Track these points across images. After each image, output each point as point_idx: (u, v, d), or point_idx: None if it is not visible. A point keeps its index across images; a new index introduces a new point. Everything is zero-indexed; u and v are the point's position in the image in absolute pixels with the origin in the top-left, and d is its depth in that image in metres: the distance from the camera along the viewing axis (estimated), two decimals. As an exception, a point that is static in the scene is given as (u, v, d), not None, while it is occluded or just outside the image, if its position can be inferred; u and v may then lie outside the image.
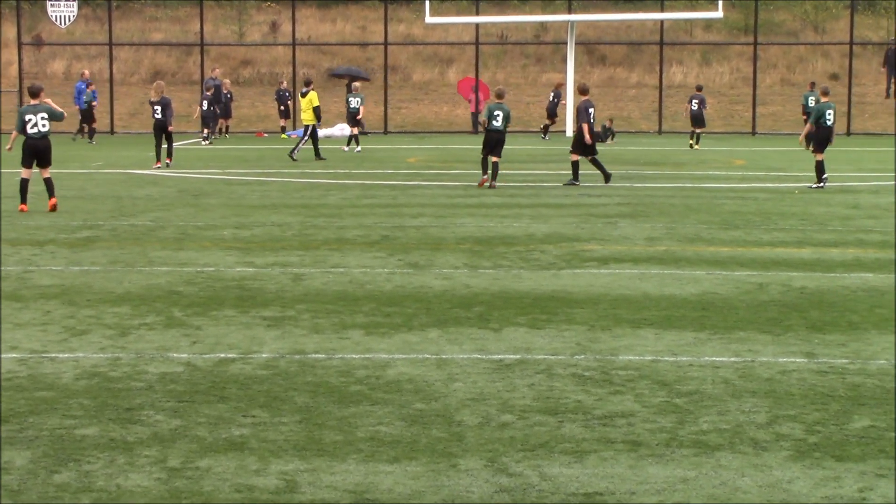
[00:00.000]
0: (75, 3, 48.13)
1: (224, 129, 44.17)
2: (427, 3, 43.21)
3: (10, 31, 53.73)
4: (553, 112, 41.98)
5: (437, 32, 51.54)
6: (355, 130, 34.77)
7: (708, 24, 53.19)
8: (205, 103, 40.14)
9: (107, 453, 6.56)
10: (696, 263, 13.61)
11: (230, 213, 18.39)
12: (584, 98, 24.03)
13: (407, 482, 6.15)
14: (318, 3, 59.07)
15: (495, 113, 23.26)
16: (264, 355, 8.95)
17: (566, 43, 44.68)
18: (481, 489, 6.06)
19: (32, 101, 19.03)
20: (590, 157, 23.80)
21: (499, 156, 23.06)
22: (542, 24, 53.77)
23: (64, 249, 14.48)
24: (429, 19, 43.97)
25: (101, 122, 43.49)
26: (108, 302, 11.07)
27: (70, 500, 5.86)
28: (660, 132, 44.43)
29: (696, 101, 36.66)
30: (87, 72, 44.09)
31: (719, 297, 11.44)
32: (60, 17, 48.24)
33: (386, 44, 48.81)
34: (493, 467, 6.39)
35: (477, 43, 49.55)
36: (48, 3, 48.16)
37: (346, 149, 34.04)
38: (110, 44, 48.76)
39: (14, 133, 19.16)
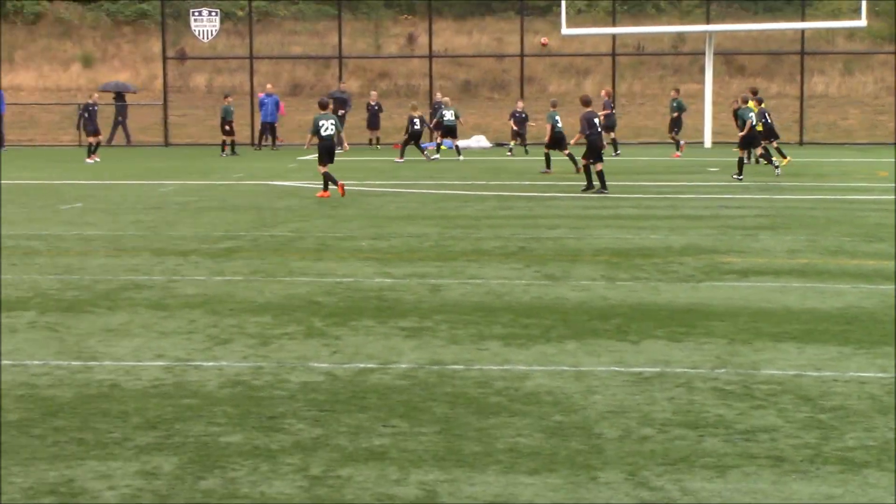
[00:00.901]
0: (217, 18, 49.03)
1: (375, 140, 44.83)
2: (563, 14, 43.16)
3: (156, 46, 54.93)
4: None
5: (573, 44, 51.35)
6: (438, 139, 36.13)
7: (850, 33, 52.25)
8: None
9: (250, 461, 6.66)
10: (839, 276, 13.38)
11: (368, 224, 18.56)
12: (587, 110, 24.56)
13: (547, 494, 6.15)
14: (454, 16, 59.36)
15: (594, 120, 24.35)
16: (403, 366, 9.02)
17: (704, 53, 44.26)
18: (622, 502, 6.04)
19: (322, 111, 23.62)
20: (591, 161, 24.31)
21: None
22: (680, 35, 53.31)
23: (207, 260, 14.75)
24: (565, 31, 43.88)
25: (242, 134, 44.27)
26: (249, 311, 11.25)
27: (215, 505, 5.97)
28: (801, 143, 43.76)
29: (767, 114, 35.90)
30: (270, 85, 45.12)
31: (864, 311, 11.23)
32: (203, 31, 49.17)
33: (522, 55, 48.87)
34: (634, 481, 6.35)
35: (614, 54, 49.36)
36: (191, 18, 49.13)
37: (435, 156, 35.32)
38: (251, 57, 49.55)
39: (309, 136, 24.01)
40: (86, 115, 38.21)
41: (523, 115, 40.35)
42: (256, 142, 44.54)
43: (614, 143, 38.58)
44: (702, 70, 45.33)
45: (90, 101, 38.44)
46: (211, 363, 9.09)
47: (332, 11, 55.61)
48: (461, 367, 8.98)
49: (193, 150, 44.54)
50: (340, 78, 48.64)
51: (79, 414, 7.61)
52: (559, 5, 43.88)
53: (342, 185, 23.27)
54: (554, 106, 30.71)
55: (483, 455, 6.77)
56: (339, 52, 49.96)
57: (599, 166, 24.25)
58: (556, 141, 29.68)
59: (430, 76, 49.08)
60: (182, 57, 54.04)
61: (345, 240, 16.71)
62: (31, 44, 60.42)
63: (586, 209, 20.96)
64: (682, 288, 12.58)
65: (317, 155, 23.91)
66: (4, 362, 9.10)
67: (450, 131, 37.96)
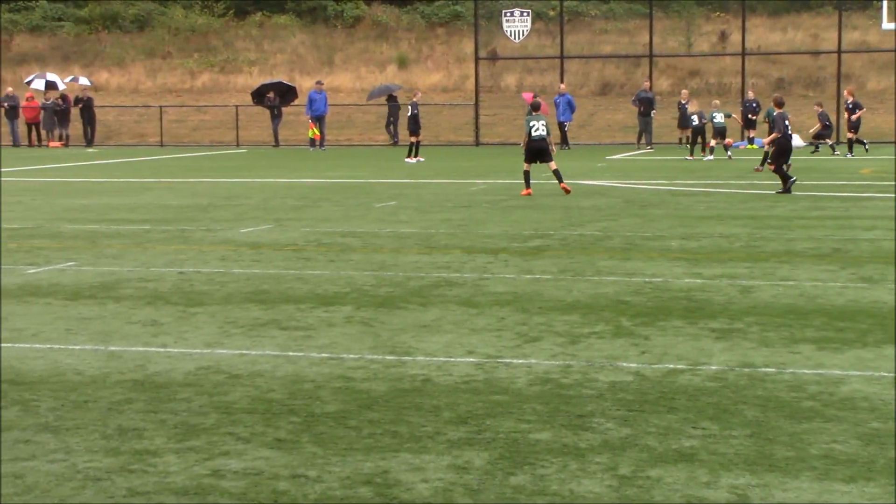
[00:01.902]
0: (529, 18, 49.49)
1: (685, 140, 44.54)
2: (885, 7, 41.70)
3: (468, 47, 55.91)
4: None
5: (893, 39, 49.50)
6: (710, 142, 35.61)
7: None
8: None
9: (559, 458, 6.71)
10: None
11: (676, 224, 18.39)
12: (778, 111, 24.01)
13: (864, 503, 5.96)
14: (768, 12, 58.17)
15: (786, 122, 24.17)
16: (713, 367, 8.90)
17: None
18: (943, 515, 5.80)
19: (534, 113, 24.00)
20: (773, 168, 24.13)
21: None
22: None
23: (516, 258, 14.92)
24: (886, 25, 42.41)
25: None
26: (558, 310, 11.32)
27: (525, 501, 6.03)
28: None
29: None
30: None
31: None
32: (515, 31, 49.73)
33: (839, 52, 47.44)
34: (956, 493, 6.09)
35: (936, 48, 47.33)
36: (503, 19, 49.75)
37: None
38: (561, 57, 49.82)
39: (525, 137, 23.88)
40: (412, 113, 39.25)
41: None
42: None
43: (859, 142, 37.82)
44: None
45: (413, 101, 39.43)
46: (520, 360, 9.19)
47: (643, 10, 55.39)
48: (773, 370, 8.80)
49: (503, 150, 45.10)
50: (650, 77, 48.33)
51: (392, 407, 7.82)
52: (879, -1, 42.44)
53: (564, 186, 23.57)
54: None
55: (796, 460, 6.62)
56: (650, 51, 49.66)
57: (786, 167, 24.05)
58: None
59: (743, 74, 48.22)
60: (493, 57, 54.80)
61: (653, 239, 16.61)
62: (350, 46, 62.49)
63: (906, 210, 20.20)
64: None
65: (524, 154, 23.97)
66: (322, 355, 9.44)
67: (718, 133, 37.01)
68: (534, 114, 23.93)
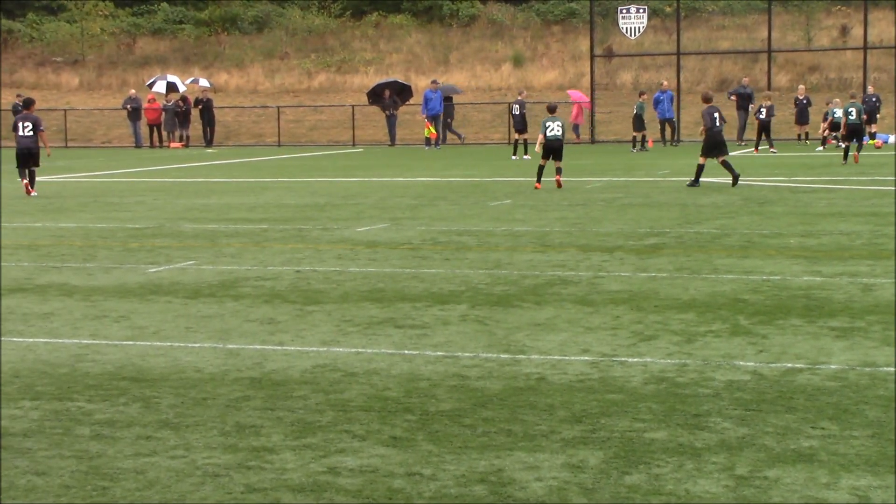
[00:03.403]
0: (645, 15, 49.15)
1: (804, 136, 44.01)
2: None
3: (584, 44, 55.72)
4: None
5: None
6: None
7: None
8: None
9: (675, 458, 6.65)
10: None
11: (796, 222, 18.14)
12: (706, 105, 25.02)
13: None
14: (892, 4, 57.09)
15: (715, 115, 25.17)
16: (832, 366, 8.76)
17: None
18: None
19: (550, 114, 25.67)
20: (720, 159, 24.76)
21: None
22: None
23: (632, 256, 14.83)
24: None
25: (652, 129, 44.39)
26: (674, 308, 11.22)
27: (640, 501, 5.99)
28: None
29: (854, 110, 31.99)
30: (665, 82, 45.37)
31: None
32: (631, 28, 49.42)
33: (964, 44, 46.39)
34: None
35: None
36: (619, 16, 49.47)
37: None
38: (678, 53, 49.38)
39: (540, 137, 25.49)
40: (520, 112, 39.27)
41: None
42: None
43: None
44: None
45: (519, 99, 39.44)
46: (636, 359, 9.14)
47: (761, 5, 54.67)
48: (895, 369, 8.63)
49: (619, 147, 44.88)
50: (769, 72, 47.74)
51: (507, 405, 7.82)
52: None
53: (558, 179, 25.18)
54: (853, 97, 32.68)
55: (918, 462, 6.50)
56: (769, 46, 49.03)
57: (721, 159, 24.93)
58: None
59: (865, 69, 47.39)
60: (609, 55, 54.51)
61: (772, 237, 16.40)
62: (465, 45, 62.61)
63: None
64: None
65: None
66: (437, 354, 9.47)
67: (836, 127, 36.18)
68: (549, 115, 25.68)
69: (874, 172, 28.17)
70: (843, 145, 32.20)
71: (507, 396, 8.06)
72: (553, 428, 7.27)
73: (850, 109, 32.29)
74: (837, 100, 38.50)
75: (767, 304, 11.36)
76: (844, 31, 55.26)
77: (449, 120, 49.58)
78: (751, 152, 39.51)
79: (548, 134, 25.26)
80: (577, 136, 48.28)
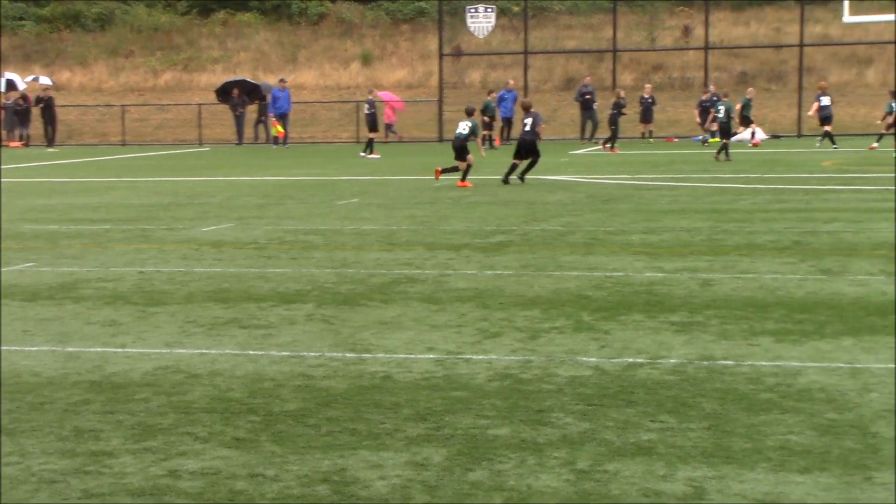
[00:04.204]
0: (493, 14, 49.50)
1: (648, 134, 44.67)
2: (846, 1, 41.90)
3: (432, 43, 55.91)
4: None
5: (856, 32, 49.84)
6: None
7: None
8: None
9: (518, 453, 6.71)
10: None
11: (639, 219, 18.44)
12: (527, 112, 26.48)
13: (818, 493, 5.99)
14: (731, 6, 58.39)
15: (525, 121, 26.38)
16: (672, 361, 8.92)
17: None
18: (897, 505, 5.83)
19: (468, 117, 26.69)
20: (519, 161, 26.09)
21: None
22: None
23: (478, 254, 14.92)
24: (847, 18, 42.66)
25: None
26: (519, 305, 11.32)
27: (483, 498, 6.02)
28: None
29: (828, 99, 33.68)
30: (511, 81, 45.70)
31: None
32: (479, 27, 49.74)
33: (801, 45, 47.67)
34: (911, 483, 6.13)
35: (898, 41, 47.63)
36: (468, 15, 49.75)
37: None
38: (525, 52, 49.85)
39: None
40: (370, 111, 39.25)
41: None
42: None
43: (830, 136, 37.79)
44: None
45: (370, 98, 39.45)
46: (480, 356, 9.19)
47: (606, 5, 55.47)
48: (731, 362, 8.83)
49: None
50: (614, 71, 48.46)
51: (352, 404, 7.81)
52: (841, -8, 42.66)
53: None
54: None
55: (752, 452, 6.65)
56: (614, 46, 49.78)
57: (518, 162, 26.01)
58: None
59: (706, 68, 48.38)
60: (458, 53, 54.78)
61: (615, 234, 16.65)
62: (314, 43, 62.35)
63: (866, 202, 20.33)
64: (967, 283, 12.05)
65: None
66: (283, 354, 9.42)
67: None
68: (467, 118, 26.71)
69: (714, 170, 28.76)
70: (723, 142, 32.90)
71: (352, 395, 8.05)
72: (397, 426, 7.28)
73: (719, 108, 33.10)
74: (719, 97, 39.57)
75: (610, 300, 11.53)
76: (687, 31, 56.33)
77: (263, 118, 49.31)
78: (599, 150, 40.04)
79: (456, 133, 26.31)
80: (387, 136, 48.32)
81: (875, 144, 36.65)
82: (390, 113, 48.68)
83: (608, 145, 39.07)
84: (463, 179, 25.46)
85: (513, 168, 25.90)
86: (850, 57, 52.95)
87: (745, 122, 41.22)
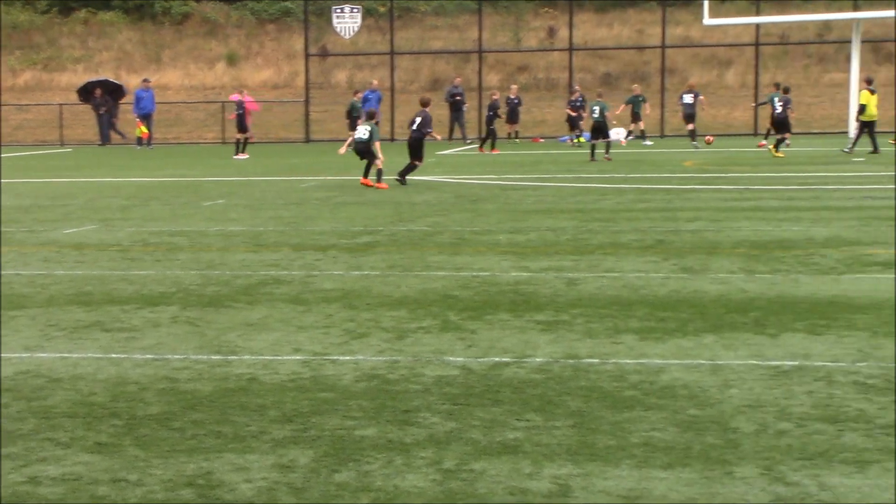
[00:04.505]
0: (359, 14, 49.47)
1: (514, 134, 44.94)
2: (706, 4, 42.66)
3: (298, 44, 55.65)
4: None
5: (715, 34, 50.77)
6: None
7: None
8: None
9: (384, 454, 6.70)
10: None
11: (506, 218, 18.56)
12: (421, 109, 26.63)
13: (681, 489, 6.08)
14: (595, 7, 59.06)
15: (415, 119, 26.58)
16: (538, 359, 9.00)
17: (850, 41, 43.40)
18: (757, 497, 5.95)
19: (366, 119, 26.56)
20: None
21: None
22: (826, 23, 52.32)
23: (345, 254, 14.89)
24: (707, 20, 43.41)
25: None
26: (386, 305, 11.32)
27: (350, 499, 6.01)
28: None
29: (781, 103, 34.12)
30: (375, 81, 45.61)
31: None
32: (345, 28, 49.67)
33: (663, 46, 48.46)
34: (770, 475, 6.25)
35: (757, 44, 48.71)
36: (334, 15, 49.63)
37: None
38: (392, 53, 49.90)
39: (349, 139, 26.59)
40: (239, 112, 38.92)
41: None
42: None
43: (693, 134, 38.81)
44: (848, 59, 44.46)
45: (240, 99, 39.15)
46: (347, 357, 9.17)
47: (472, 6, 55.73)
48: (596, 360, 8.93)
49: (334, 146, 44.97)
50: (480, 71, 48.70)
51: (217, 407, 7.74)
52: (701, -5, 43.43)
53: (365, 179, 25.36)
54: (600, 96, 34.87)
55: (617, 449, 6.73)
56: (479, 47, 50.04)
57: (416, 163, 26.26)
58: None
59: (570, 69, 48.88)
60: (324, 54, 54.62)
61: (482, 234, 16.74)
62: (178, 43, 61.67)
63: (726, 201, 20.71)
64: (823, 280, 12.35)
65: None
66: (147, 356, 9.29)
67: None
68: (368, 121, 26.28)
69: (580, 170, 29.07)
70: (604, 141, 33.22)
71: (218, 398, 7.97)
72: (263, 428, 7.23)
73: (594, 108, 33.39)
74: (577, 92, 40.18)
75: (477, 299, 11.58)
76: (551, 32, 56.84)
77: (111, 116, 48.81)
78: (465, 150, 40.20)
79: (356, 136, 25.72)
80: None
81: (764, 142, 37.25)
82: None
83: (485, 147, 39.25)
84: (366, 176, 25.25)
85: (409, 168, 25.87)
86: (711, 58, 53.92)
87: (636, 118, 41.92)
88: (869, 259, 13.77)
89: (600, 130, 33.12)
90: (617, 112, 41.12)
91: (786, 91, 34.82)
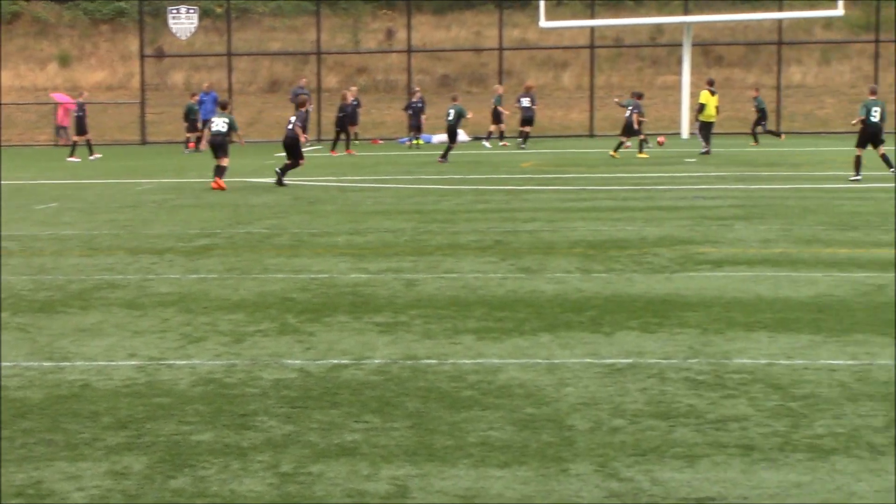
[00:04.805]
0: (196, 15, 48.92)
1: (354, 136, 44.79)
2: (542, 7, 43.17)
3: (133, 44, 54.82)
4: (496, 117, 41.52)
5: (551, 36, 51.42)
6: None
7: (828, 23, 52.39)
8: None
9: (221, 459, 6.65)
10: (813, 265, 13.42)
11: (344, 220, 18.54)
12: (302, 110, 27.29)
13: (517, 487, 6.15)
14: (433, 10, 59.32)
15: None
16: (376, 361, 9.01)
17: (682, 44, 44.33)
18: (591, 494, 6.04)
19: (220, 111, 26.59)
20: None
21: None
22: (658, 26, 53.36)
23: (181, 258, 14.71)
24: (543, 23, 43.94)
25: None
26: (223, 309, 11.22)
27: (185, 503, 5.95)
28: (778, 133, 43.62)
29: (630, 108, 34.53)
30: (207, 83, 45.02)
31: (836, 300, 11.26)
32: (181, 29, 49.07)
33: (501, 49, 48.91)
34: (604, 472, 6.35)
35: (592, 46, 49.41)
36: (169, 16, 49.01)
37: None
38: (229, 54, 49.48)
39: (206, 132, 26.69)
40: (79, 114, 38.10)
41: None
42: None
43: (525, 136, 39.39)
44: (679, 61, 45.43)
45: (79, 100, 38.41)
46: (184, 362, 9.07)
47: (310, 7, 55.52)
48: (434, 361, 8.97)
49: (171, 148, 44.44)
50: (318, 73, 48.55)
51: (48, 415, 7.58)
52: (537, -2, 43.95)
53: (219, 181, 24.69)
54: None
55: (454, 449, 6.77)
56: (318, 48, 49.91)
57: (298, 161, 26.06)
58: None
59: (409, 71, 49.03)
60: (160, 55, 53.90)
61: (321, 236, 16.69)
62: (8, 43, 60.18)
63: (563, 202, 20.98)
64: (656, 279, 12.59)
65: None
66: (-24, 364, 9.08)
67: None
68: (220, 111, 26.44)
69: (419, 171, 29.16)
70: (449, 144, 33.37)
71: (49, 405, 7.81)
72: (97, 435, 7.11)
73: (450, 111, 33.84)
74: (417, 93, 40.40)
75: (315, 301, 11.55)
76: (390, 34, 56.91)
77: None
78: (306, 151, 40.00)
79: (212, 129, 25.60)
80: (60, 139, 47.39)
81: (662, 138, 37.62)
82: (62, 115, 47.53)
83: (336, 149, 39.06)
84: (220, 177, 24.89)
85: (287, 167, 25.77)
86: (548, 60, 54.56)
87: (497, 118, 42.10)
88: (700, 258, 14.07)
89: (450, 134, 33.50)
90: (506, 112, 41.66)
91: (639, 97, 35.35)
